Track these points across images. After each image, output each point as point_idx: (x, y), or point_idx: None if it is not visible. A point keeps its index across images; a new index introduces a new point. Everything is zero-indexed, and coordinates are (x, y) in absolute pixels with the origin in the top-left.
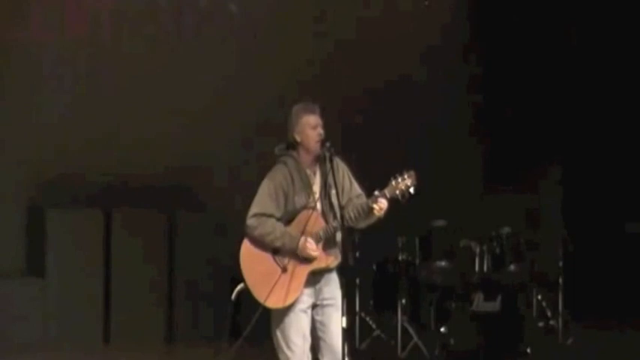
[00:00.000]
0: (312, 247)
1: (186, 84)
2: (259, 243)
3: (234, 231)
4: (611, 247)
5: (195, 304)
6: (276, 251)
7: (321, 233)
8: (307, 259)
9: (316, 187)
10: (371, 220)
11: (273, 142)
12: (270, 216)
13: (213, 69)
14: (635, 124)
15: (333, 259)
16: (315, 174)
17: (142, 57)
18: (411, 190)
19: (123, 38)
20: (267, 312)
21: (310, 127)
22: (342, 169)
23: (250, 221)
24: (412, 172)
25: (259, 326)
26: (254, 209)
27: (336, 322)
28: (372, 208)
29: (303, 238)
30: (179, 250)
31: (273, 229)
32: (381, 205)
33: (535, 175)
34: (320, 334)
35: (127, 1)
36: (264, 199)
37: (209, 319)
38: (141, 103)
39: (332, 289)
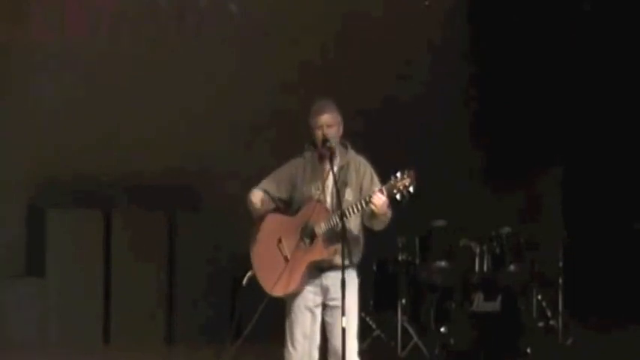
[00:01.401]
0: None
1: (186, 84)
2: (266, 231)
3: (234, 231)
4: (611, 247)
5: (195, 304)
6: (279, 240)
7: (323, 224)
8: (311, 252)
9: (329, 182)
10: (379, 220)
11: (273, 142)
12: (265, 192)
13: (213, 69)
14: (636, 123)
15: (331, 254)
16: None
17: (142, 57)
18: (410, 189)
19: (123, 38)
20: (267, 312)
21: (316, 128)
22: (363, 167)
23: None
24: (412, 172)
25: (259, 326)
26: (254, 188)
27: (341, 324)
28: (368, 204)
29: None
30: (179, 250)
31: (252, 192)
32: (376, 200)
33: (535, 175)
34: (327, 335)
35: (127, 1)
36: (269, 178)
37: (209, 319)
38: (141, 103)
39: (339, 289)
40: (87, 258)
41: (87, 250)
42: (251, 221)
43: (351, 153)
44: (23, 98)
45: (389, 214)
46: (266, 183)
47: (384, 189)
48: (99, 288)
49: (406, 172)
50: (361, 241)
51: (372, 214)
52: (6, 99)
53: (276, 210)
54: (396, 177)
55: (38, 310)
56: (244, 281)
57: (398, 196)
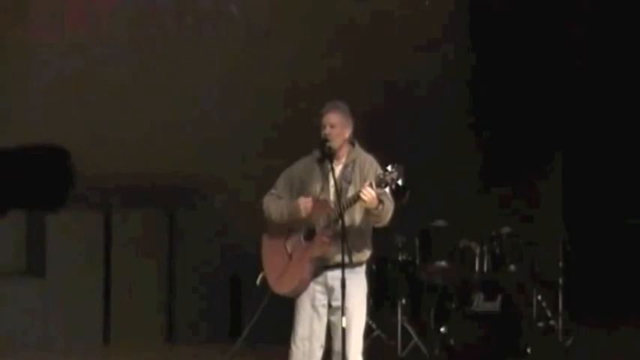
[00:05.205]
0: (306, 200)
1: (186, 84)
2: (274, 229)
3: (234, 231)
4: (611, 247)
5: (195, 304)
6: (287, 239)
7: (321, 220)
8: (310, 249)
9: (330, 181)
10: (374, 216)
11: (273, 141)
12: (280, 196)
13: (213, 69)
14: (636, 122)
15: (330, 250)
16: (338, 168)
17: (142, 57)
18: (399, 182)
19: (123, 38)
20: (267, 312)
21: (321, 127)
22: (368, 165)
23: (264, 198)
24: (400, 166)
25: (259, 326)
26: (270, 190)
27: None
28: (359, 196)
29: (301, 198)
30: (179, 250)
31: (275, 200)
32: (364, 193)
33: (535, 175)
34: (332, 335)
35: (127, 1)
36: (279, 182)
37: (209, 319)
38: (140, 103)
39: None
40: (87, 258)
41: (87, 250)
42: (260, 222)
43: (358, 151)
44: (22, 98)
45: (381, 208)
46: (279, 188)
47: (373, 183)
48: (99, 288)
49: (395, 165)
50: (367, 237)
51: (366, 210)
52: (5, 98)
53: None
54: (386, 171)
55: (38, 310)
56: (258, 281)
57: (387, 189)
